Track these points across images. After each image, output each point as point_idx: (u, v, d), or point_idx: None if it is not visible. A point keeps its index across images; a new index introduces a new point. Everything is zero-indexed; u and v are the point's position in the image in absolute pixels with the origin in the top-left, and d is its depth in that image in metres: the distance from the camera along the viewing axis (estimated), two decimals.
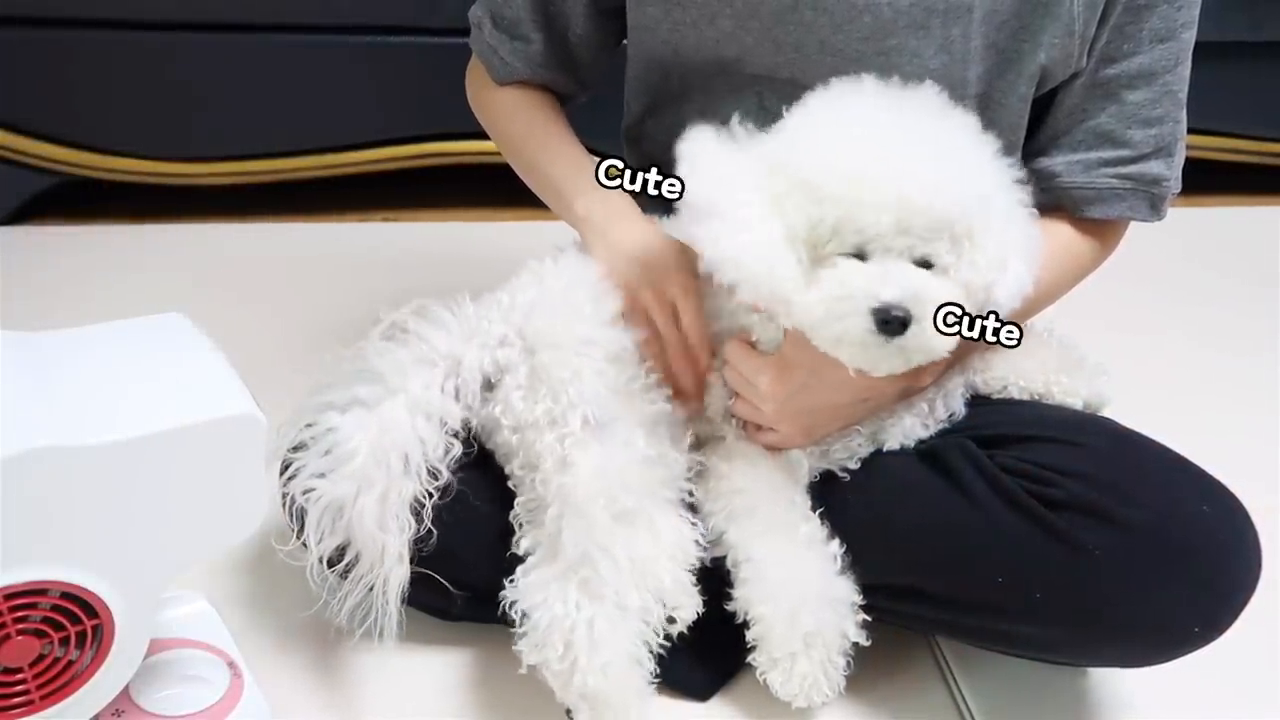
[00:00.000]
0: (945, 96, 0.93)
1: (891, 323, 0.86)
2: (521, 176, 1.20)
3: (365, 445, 0.95)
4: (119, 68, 1.97)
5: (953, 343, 0.89)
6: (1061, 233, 1.09)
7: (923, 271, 0.89)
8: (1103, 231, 1.10)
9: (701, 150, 0.93)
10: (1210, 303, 1.95)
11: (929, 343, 0.88)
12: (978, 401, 1.05)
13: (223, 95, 2.02)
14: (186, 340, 0.88)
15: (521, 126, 1.19)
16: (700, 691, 1.05)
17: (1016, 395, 1.06)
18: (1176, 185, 1.08)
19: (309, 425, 0.97)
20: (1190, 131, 1.10)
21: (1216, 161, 2.33)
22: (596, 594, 0.93)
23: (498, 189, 2.09)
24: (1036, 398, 1.06)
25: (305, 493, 0.94)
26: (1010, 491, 0.93)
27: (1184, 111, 1.07)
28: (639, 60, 1.17)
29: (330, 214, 2.15)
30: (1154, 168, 1.06)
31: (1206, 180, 2.05)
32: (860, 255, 0.88)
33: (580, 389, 0.95)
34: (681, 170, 0.93)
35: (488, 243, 1.96)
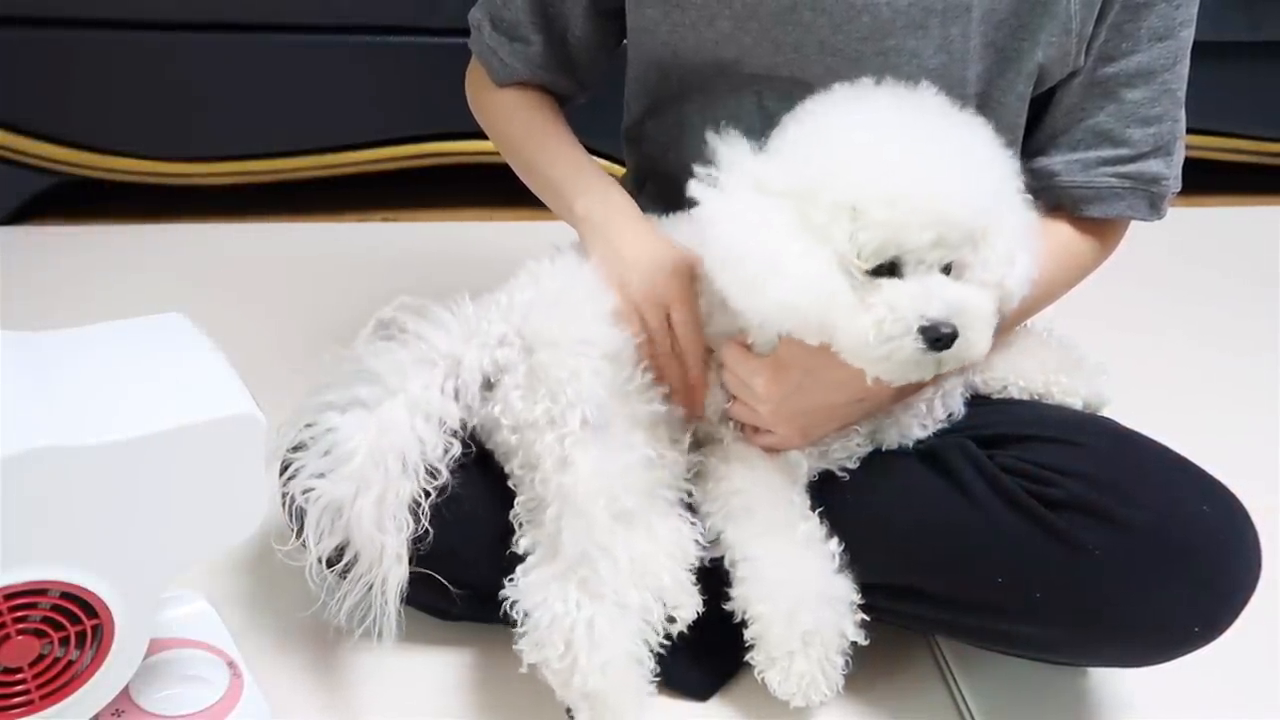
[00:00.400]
0: (943, 96, 0.93)
1: (942, 339, 0.87)
2: (521, 177, 1.20)
3: (364, 445, 0.95)
4: (119, 68, 1.97)
5: (987, 347, 0.90)
6: (1061, 232, 1.09)
7: (959, 284, 0.90)
8: (1103, 231, 1.10)
9: (712, 195, 0.92)
10: (1210, 303, 1.95)
11: (970, 352, 0.89)
12: (977, 401, 1.05)
13: (222, 95, 2.02)
14: (186, 340, 0.88)
15: (520, 127, 1.19)
16: (700, 691, 1.05)
17: (1016, 395, 1.06)
18: (1176, 184, 1.08)
19: (308, 425, 0.97)
20: (1190, 131, 1.09)
21: (1216, 161, 2.33)
22: (596, 593, 0.93)
23: (497, 189, 2.08)
24: (1036, 397, 1.06)
25: (304, 493, 0.94)
26: (1010, 491, 0.93)
27: (1182, 110, 1.07)
28: (639, 62, 1.17)
29: (330, 214, 2.15)
30: (1153, 166, 1.06)
31: (1206, 180, 2.05)
32: (893, 267, 0.89)
33: (579, 389, 0.95)
34: (699, 219, 0.92)
35: (487, 243, 1.96)
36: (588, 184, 1.10)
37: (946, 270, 0.90)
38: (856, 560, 0.98)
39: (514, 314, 1.02)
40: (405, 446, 0.96)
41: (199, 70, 1.99)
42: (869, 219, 0.86)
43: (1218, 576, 0.90)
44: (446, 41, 1.89)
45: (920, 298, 0.87)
